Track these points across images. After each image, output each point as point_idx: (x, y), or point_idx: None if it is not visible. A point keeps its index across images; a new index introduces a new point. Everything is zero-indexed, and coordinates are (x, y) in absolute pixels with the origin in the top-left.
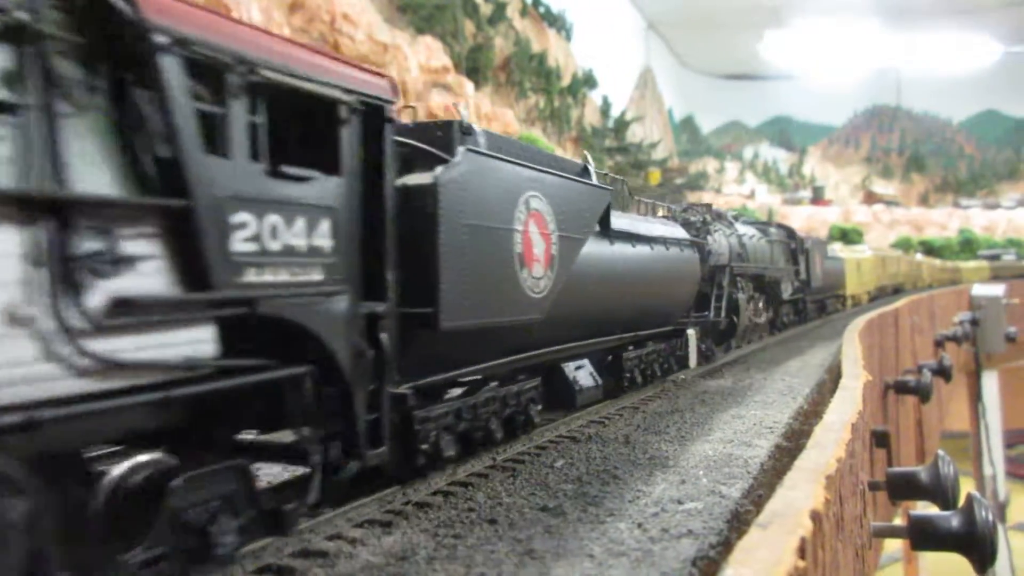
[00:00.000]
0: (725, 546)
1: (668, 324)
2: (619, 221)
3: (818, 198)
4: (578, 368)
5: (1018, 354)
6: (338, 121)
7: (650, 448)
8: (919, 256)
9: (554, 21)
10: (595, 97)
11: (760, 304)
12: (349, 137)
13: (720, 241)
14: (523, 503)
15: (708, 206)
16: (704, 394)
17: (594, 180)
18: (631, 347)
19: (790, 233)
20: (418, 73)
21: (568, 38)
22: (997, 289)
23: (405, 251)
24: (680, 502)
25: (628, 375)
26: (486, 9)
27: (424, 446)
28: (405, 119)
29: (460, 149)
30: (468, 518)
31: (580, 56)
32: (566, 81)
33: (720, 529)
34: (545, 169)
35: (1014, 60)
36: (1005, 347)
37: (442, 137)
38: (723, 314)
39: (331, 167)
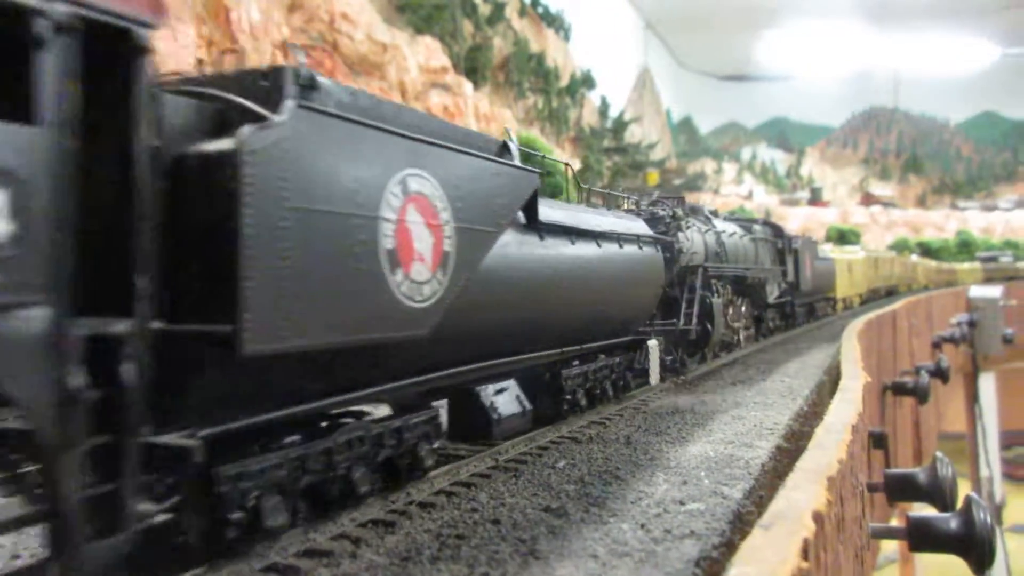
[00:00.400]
0: (728, 547)
1: (625, 334)
2: (553, 212)
3: (816, 199)
4: (499, 392)
5: (1015, 356)
6: (30, 41)
7: (651, 449)
8: (914, 257)
9: (552, 21)
10: (593, 97)
11: (743, 309)
12: (54, 68)
13: (694, 239)
14: (526, 503)
15: (680, 199)
16: (705, 394)
17: (516, 160)
18: (575, 362)
19: (777, 231)
20: (417, 73)
21: (566, 38)
22: (995, 291)
23: (194, 244)
24: (682, 503)
25: (569, 396)
26: (485, 9)
27: (236, 514)
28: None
29: (289, 105)
30: (471, 518)
31: (578, 56)
32: (564, 81)
33: (723, 530)
34: (434, 142)
35: (1012, 62)
36: (1002, 349)
37: (268, 89)
38: (694, 321)
39: (14, 110)
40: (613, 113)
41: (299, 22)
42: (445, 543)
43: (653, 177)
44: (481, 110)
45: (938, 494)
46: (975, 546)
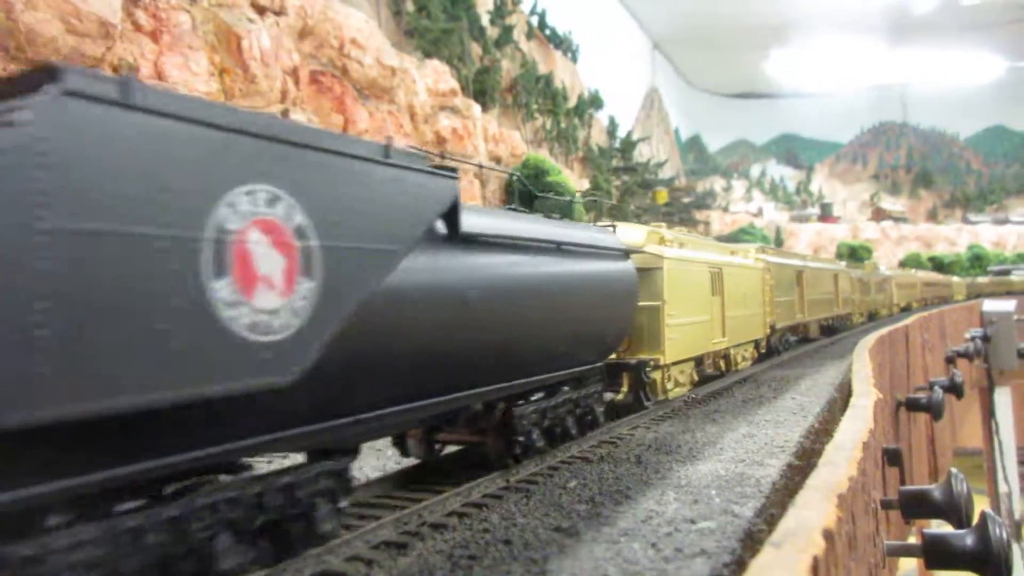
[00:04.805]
0: (739, 565)
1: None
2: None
3: (826, 215)
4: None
5: None
6: None
7: (662, 467)
8: (884, 270)
9: (560, 43)
10: (601, 118)
11: None
12: None
13: None
14: (537, 524)
15: None
16: (715, 412)
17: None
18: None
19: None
20: (426, 96)
21: (574, 59)
22: (1009, 305)
23: None
24: (693, 521)
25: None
26: (492, 32)
27: None
28: None
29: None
30: (483, 539)
31: (586, 77)
32: (572, 102)
33: (733, 548)
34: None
35: (1018, 76)
36: (1017, 363)
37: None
38: None
39: None
40: (621, 133)
41: (309, 48)
42: (457, 564)
43: (663, 195)
44: (490, 132)
45: (953, 511)
46: (991, 562)
